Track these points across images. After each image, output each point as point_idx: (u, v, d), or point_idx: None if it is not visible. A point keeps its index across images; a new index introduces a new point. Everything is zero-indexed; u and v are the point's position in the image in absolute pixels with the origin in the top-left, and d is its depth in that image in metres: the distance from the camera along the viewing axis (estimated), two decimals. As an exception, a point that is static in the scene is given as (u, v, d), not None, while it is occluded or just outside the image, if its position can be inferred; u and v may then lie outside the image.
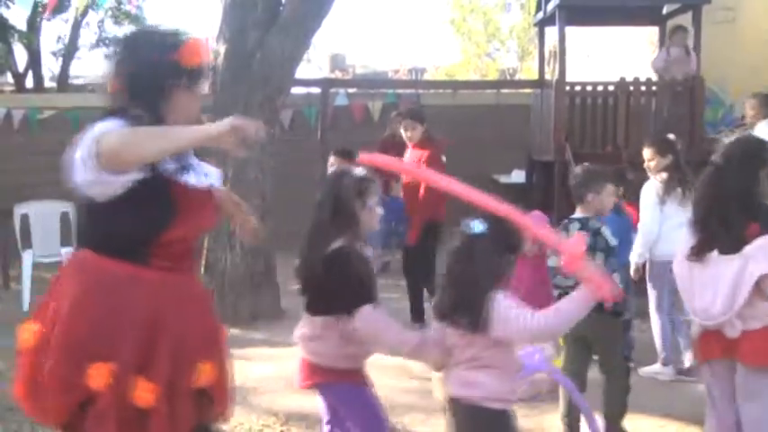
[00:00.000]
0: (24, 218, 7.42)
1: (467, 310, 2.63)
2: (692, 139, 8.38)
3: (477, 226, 2.68)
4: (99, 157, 2.26)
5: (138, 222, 2.42)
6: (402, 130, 6.29)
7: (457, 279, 2.71)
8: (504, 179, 10.00)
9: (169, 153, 2.37)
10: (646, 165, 5.13)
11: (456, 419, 2.72)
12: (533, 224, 2.69)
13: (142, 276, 2.44)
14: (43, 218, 7.47)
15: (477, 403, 2.64)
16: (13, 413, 4.37)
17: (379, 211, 3.00)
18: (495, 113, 10.44)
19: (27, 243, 7.33)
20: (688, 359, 4.99)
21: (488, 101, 10.84)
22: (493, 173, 9.91)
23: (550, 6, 8.90)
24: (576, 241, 2.61)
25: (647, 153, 5.11)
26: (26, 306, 6.87)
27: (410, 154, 6.24)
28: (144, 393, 2.36)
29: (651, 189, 5.02)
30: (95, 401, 2.35)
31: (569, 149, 8.31)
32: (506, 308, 2.61)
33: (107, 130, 2.32)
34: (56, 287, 2.53)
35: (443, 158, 6.27)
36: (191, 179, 2.49)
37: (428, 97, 11.14)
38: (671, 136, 5.46)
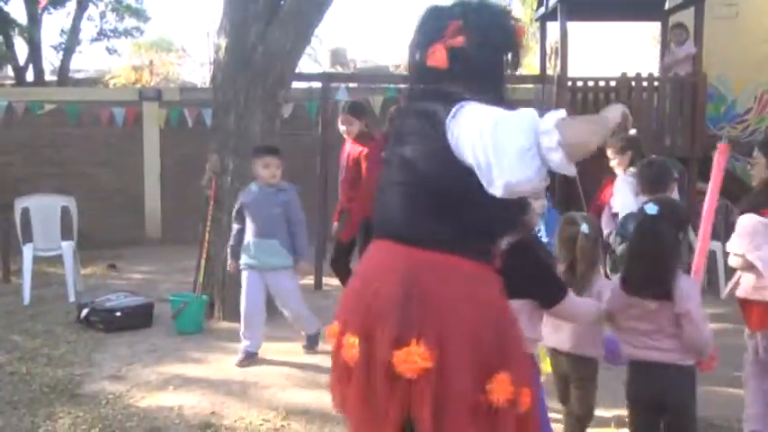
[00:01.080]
0: (25, 211, 7.42)
1: (656, 284, 2.95)
2: (694, 134, 8.37)
3: (652, 207, 3.00)
4: (564, 147, 1.99)
5: (508, 215, 2.31)
6: (339, 124, 6.33)
7: (643, 256, 3.00)
8: (504, 174, 9.98)
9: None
10: (612, 164, 5.20)
11: (648, 378, 3.06)
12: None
13: (496, 275, 2.29)
14: (44, 212, 7.46)
15: (668, 362, 3.01)
16: (12, 406, 4.36)
17: (540, 205, 3.06)
18: (496, 108, 10.38)
19: (27, 237, 7.32)
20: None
21: (489, 96, 10.80)
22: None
23: (552, 1, 8.88)
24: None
25: (609, 154, 5.14)
26: (26, 300, 6.87)
27: (349, 147, 6.24)
28: (526, 398, 2.23)
29: (624, 187, 4.97)
30: (495, 417, 2.14)
31: (570, 145, 8.28)
32: (691, 288, 2.97)
33: (560, 117, 2.02)
34: (400, 292, 2.16)
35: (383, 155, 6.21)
36: None
37: (429, 92, 11.12)
38: (633, 131, 5.69)
